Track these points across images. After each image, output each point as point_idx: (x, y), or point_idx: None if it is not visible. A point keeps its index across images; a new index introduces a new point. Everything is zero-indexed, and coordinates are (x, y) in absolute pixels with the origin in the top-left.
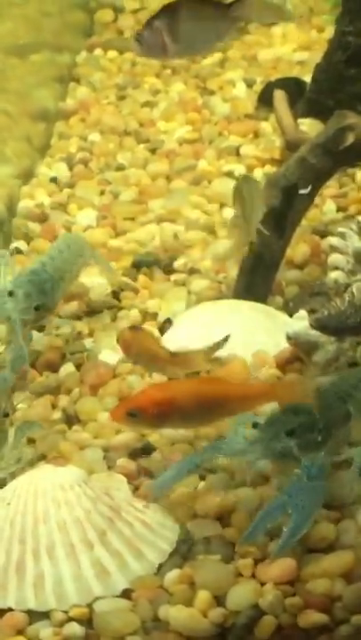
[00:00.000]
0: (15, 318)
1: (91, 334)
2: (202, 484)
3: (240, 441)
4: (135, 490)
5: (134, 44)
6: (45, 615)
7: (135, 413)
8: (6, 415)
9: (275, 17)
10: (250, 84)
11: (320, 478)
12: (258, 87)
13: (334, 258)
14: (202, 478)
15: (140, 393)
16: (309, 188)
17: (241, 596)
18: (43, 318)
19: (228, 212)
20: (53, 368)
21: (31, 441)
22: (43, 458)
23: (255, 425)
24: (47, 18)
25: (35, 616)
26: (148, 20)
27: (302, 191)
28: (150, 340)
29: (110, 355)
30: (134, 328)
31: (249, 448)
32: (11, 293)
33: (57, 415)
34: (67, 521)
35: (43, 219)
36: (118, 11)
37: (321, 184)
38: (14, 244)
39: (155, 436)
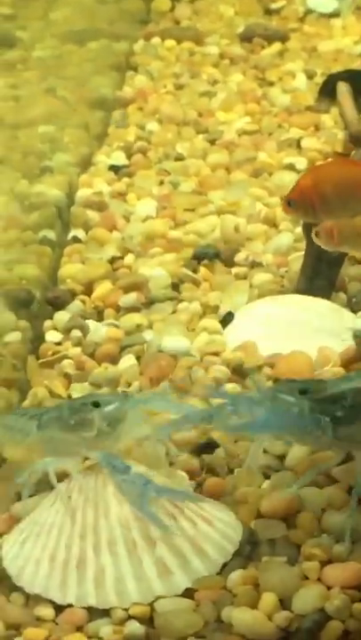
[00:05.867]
0: None
1: (150, 326)
2: (266, 482)
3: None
4: (198, 487)
5: None
6: (106, 613)
7: (291, 202)
8: None
9: None
10: (310, 76)
11: (310, 422)
12: (318, 79)
13: None
14: (266, 477)
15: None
16: None
17: (307, 599)
18: None
19: None
20: (113, 360)
21: None
22: None
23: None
24: (103, 5)
25: (95, 613)
26: None
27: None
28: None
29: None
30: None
31: (259, 397)
32: None
33: None
34: (128, 517)
35: (102, 207)
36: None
37: None
38: (73, 233)
39: (218, 433)
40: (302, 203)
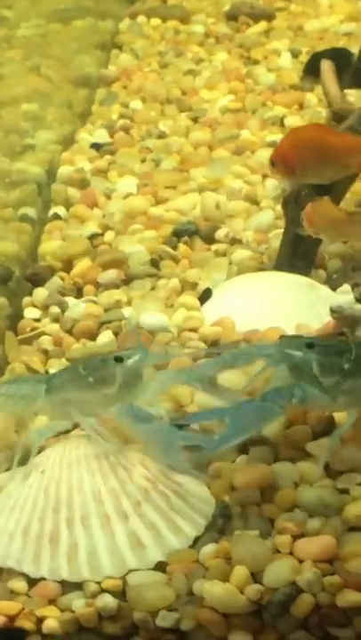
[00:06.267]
0: None
1: (129, 303)
2: (241, 456)
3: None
4: None
5: None
6: (78, 586)
7: (274, 163)
8: None
9: None
10: (295, 55)
11: (274, 403)
12: (303, 58)
13: None
14: (242, 451)
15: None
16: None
17: (278, 572)
18: None
19: (271, 183)
20: (91, 336)
21: None
22: (77, 426)
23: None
24: None
25: (68, 586)
26: None
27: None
28: (328, 206)
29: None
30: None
31: (267, 351)
32: None
33: None
34: (101, 491)
35: (83, 185)
36: None
37: None
38: (53, 210)
39: (193, 407)
40: (282, 163)
